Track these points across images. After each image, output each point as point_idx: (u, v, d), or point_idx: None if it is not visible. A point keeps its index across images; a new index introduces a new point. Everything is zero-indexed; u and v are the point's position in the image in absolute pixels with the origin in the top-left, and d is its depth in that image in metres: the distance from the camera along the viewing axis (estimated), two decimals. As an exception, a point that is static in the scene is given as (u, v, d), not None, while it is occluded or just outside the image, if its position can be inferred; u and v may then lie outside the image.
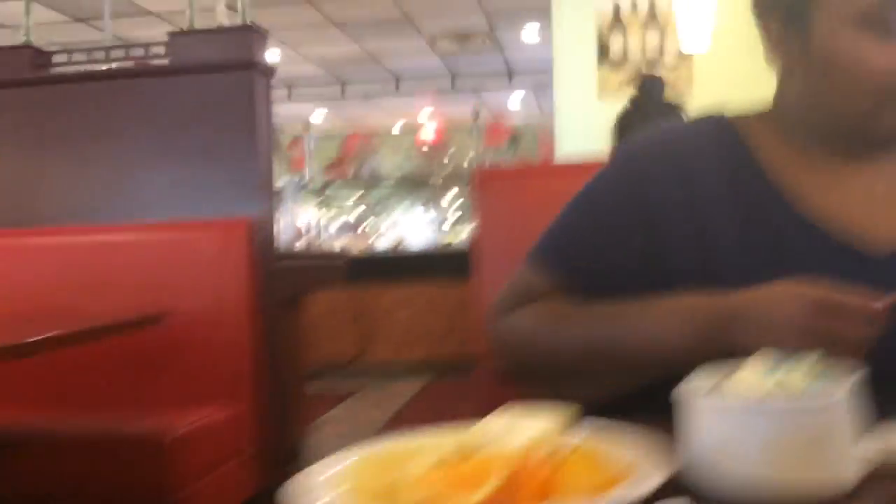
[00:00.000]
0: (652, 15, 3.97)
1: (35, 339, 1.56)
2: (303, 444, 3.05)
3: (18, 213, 2.62)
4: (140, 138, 2.58)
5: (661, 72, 3.77)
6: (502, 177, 1.37)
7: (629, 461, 0.51)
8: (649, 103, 3.11)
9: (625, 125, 3.14)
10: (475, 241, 1.27)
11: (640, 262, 0.84)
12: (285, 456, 2.59)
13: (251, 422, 2.38)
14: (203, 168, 2.54)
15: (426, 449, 0.51)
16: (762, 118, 0.88)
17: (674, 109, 3.09)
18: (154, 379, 2.34)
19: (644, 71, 3.80)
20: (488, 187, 1.30)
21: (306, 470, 0.53)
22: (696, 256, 0.82)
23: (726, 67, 3.59)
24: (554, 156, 4.43)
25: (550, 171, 1.46)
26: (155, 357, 2.32)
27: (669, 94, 3.30)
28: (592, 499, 0.45)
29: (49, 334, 1.60)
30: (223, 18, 2.77)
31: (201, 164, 2.54)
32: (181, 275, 2.38)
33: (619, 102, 3.36)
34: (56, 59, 2.67)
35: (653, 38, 3.96)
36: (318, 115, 7.65)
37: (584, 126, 3.94)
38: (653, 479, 0.47)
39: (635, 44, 3.98)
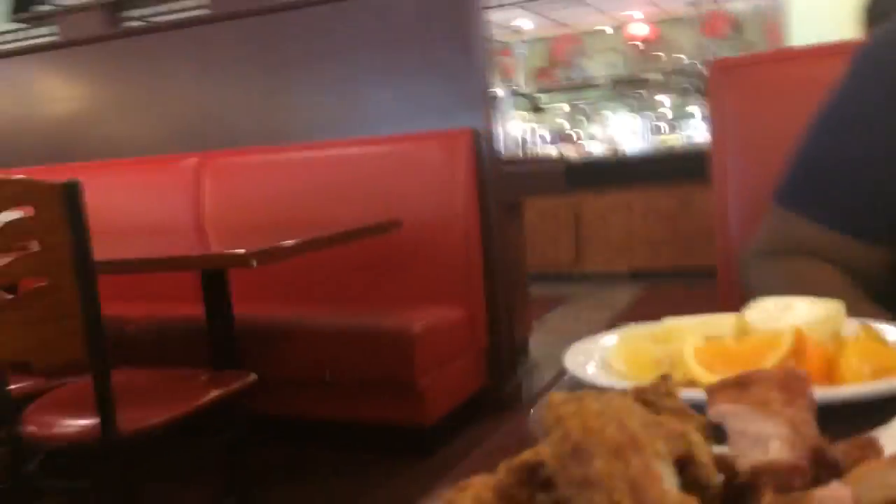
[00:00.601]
0: None
1: (292, 243, 1.74)
2: (527, 343, 3.18)
3: (268, 132, 2.89)
4: (365, 58, 2.72)
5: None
6: (742, 67, 1.28)
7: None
8: None
9: (880, 8, 2.71)
10: (712, 140, 1.22)
11: None
12: (511, 352, 2.72)
13: (481, 320, 2.53)
14: (424, 82, 2.65)
15: (696, 328, 0.51)
16: None
17: None
18: (392, 280, 2.53)
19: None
20: (726, 80, 1.23)
21: (582, 341, 0.56)
22: None
23: None
24: (785, 47, 4.06)
25: (794, 57, 1.35)
26: (392, 260, 2.51)
27: None
28: (878, 382, 0.44)
29: (303, 239, 1.77)
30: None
31: (423, 78, 2.65)
32: (412, 183, 2.52)
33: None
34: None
35: None
36: (525, 21, 7.53)
37: (823, 10, 3.55)
38: None
39: None
